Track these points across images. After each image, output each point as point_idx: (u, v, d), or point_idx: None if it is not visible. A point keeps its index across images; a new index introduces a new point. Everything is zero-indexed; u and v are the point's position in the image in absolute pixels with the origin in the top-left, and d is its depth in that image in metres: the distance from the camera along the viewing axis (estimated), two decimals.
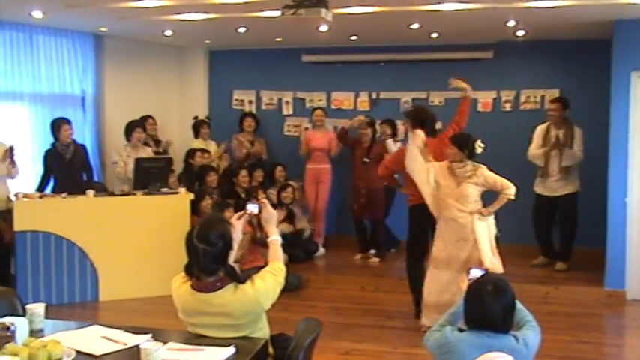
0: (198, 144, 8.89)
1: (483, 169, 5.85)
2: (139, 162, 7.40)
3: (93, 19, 7.44)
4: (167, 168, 7.72)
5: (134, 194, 7.29)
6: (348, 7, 6.39)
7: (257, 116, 9.38)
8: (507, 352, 2.75)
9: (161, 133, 8.99)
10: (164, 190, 7.41)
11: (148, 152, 8.06)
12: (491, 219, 5.91)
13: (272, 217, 3.48)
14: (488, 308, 3.15)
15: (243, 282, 3.08)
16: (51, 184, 7.57)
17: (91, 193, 7.07)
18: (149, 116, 8.69)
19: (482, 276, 3.42)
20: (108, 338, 3.05)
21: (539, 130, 7.94)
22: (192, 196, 7.39)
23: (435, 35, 8.18)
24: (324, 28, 7.39)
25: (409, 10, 6.61)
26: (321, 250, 8.81)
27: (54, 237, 6.82)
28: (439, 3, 6.28)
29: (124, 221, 7.09)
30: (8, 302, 3.64)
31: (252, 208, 3.48)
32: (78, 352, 2.80)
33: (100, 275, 7.02)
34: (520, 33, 7.90)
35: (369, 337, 6.00)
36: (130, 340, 3.02)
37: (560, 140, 7.80)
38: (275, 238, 3.41)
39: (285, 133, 9.70)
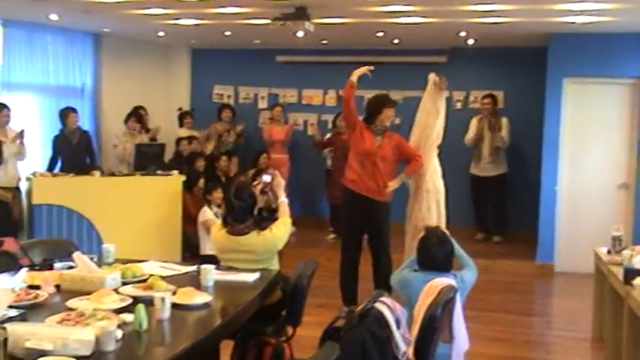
0: (183, 132, 9.92)
1: None
2: (138, 147, 8.45)
3: (99, 22, 8.45)
4: (162, 153, 8.77)
5: (134, 175, 8.32)
6: (326, 17, 7.49)
7: (234, 108, 10.47)
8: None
9: (149, 122, 10.02)
10: (159, 172, 8.44)
11: (142, 138, 9.09)
12: None
13: (281, 184, 4.68)
14: (433, 254, 4.30)
15: (264, 229, 4.27)
16: (58, 165, 8.56)
17: (97, 173, 8.08)
18: (141, 107, 9.71)
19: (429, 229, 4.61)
20: (166, 267, 4.16)
21: (475, 120, 9.43)
22: (183, 177, 8.44)
23: (396, 41, 9.36)
24: (300, 34, 8.48)
25: (377, 22, 7.77)
26: (293, 229, 9.84)
27: (66, 210, 7.77)
28: (402, 17, 7.44)
29: (125, 198, 8.06)
30: (66, 248, 4.66)
31: (266, 177, 4.64)
32: (150, 274, 3.89)
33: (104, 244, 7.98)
34: (470, 41, 9.09)
35: (338, 295, 7.14)
36: (183, 269, 4.15)
37: (491, 126, 9.27)
38: (283, 200, 4.61)
39: (260, 125, 10.78)
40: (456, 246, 4.51)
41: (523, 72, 9.76)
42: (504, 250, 9.11)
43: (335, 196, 9.31)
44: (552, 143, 8.49)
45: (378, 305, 3.21)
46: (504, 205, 9.59)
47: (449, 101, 10.03)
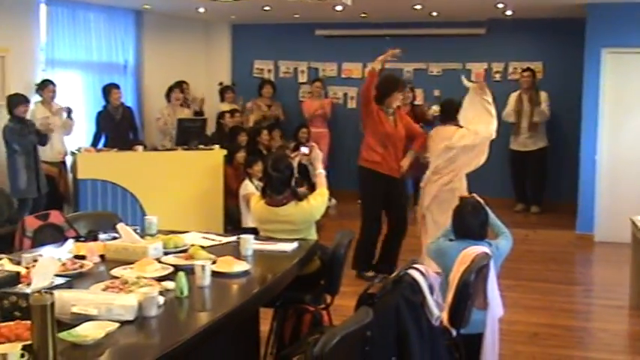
0: (225, 107, 10.07)
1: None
2: (180, 122, 8.57)
3: None
4: (204, 127, 8.90)
5: (176, 149, 8.45)
6: None
7: (274, 83, 10.58)
8: None
9: (191, 98, 10.17)
10: (201, 146, 8.58)
11: (185, 112, 9.25)
12: None
13: (318, 156, 4.79)
14: (468, 223, 4.34)
15: (301, 200, 4.39)
16: (102, 140, 8.76)
17: (140, 148, 8.24)
18: (184, 81, 9.85)
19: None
20: (207, 238, 4.29)
21: (513, 96, 9.45)
22: (224, 152, 8.57)
23: (434, 14, 9.34)
24: (339, 7, 8.54)
25: None
26: (333, 201, 10.01)
27: (110, 185, 7.94)
28: None
29: (167, 172, 8.18)
30: (110, 220, 4.81)
31: (304, 149, 4.75)
32: (191, 245, 4.02)
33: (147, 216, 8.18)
34: (508, 12, 9.04)
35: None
36: (223, 239, 4.27)
37: (530, 101, 9.29)
38: (321, 172, 4.72)
39: (300, 99, 10.88)
40: (491, 215, 4.54)
41: (561, 43, 9.70)
42: (544, 221, 9.12)
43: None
44: (591, 114, 8.42)
45: (412, 272, 3.30)
46: (544, 178, 9.60)
47: (488, 72, 10.13)
